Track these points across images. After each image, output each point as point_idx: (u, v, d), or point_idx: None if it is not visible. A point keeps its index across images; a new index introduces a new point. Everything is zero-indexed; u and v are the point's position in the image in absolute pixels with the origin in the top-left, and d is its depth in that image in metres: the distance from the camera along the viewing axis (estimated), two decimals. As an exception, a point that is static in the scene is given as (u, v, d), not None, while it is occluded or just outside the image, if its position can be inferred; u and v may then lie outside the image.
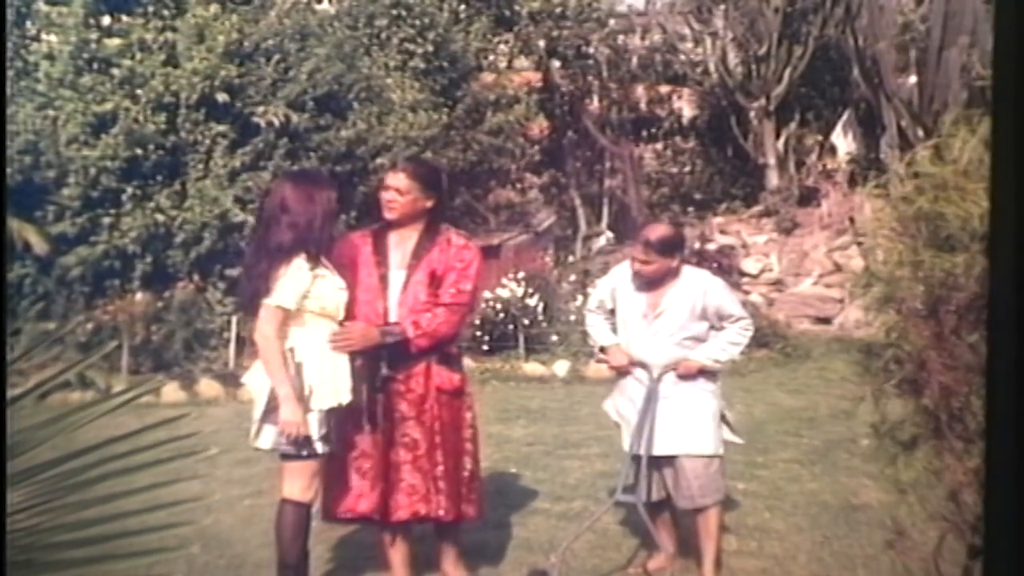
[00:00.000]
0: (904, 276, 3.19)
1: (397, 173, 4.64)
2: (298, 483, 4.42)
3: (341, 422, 4.56)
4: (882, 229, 3.36)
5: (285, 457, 4.42)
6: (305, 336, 4.41)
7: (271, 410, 4.35)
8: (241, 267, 4.77)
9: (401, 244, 4.63)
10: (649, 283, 4.88)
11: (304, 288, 4.34)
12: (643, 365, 4.87)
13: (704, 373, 4.87)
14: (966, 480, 3.13)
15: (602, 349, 5.15)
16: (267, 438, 4.39)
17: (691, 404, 4.82)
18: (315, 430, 4.34)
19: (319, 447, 4.36)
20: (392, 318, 4.55)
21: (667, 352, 4.84)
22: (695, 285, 4.88)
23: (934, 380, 3.13)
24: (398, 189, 4.57)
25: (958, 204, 3.01)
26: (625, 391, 4.98)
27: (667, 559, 4.97)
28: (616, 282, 5.04)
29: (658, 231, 4.92)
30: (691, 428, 4.79)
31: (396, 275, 4.59)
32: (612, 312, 5.04)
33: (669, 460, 4.82)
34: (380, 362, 4.54)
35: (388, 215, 4.61)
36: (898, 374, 3.26)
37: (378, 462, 4.56)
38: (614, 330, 5.03)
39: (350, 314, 4.58)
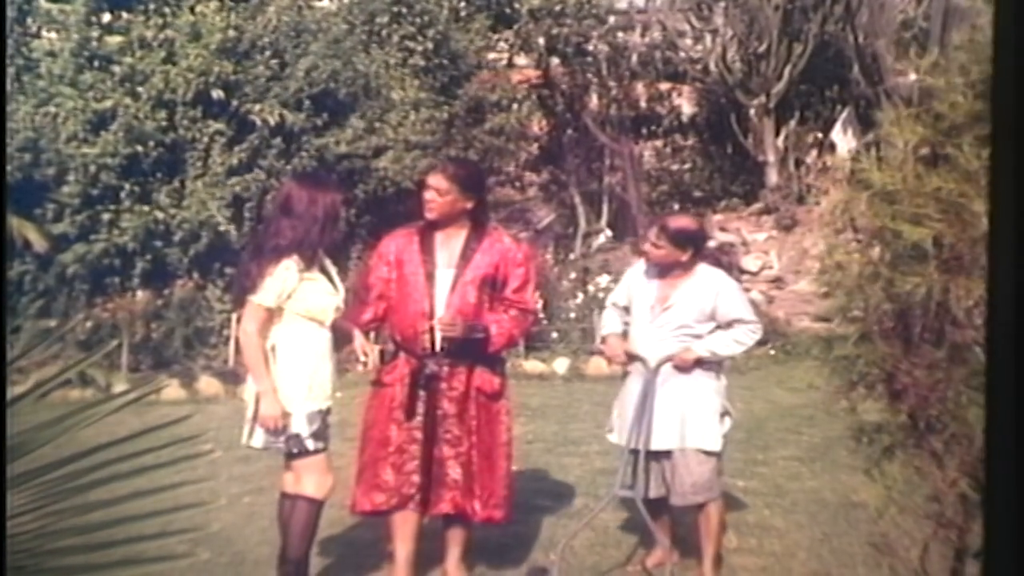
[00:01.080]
0: (865, 286, 3.19)
1: (437, 174, 4.71)
2: (312, 480, 4.45)
3: (380, 419, 4.60)
4: (840, 235, 3.36)
5: (290, 456, 4.45)
6: (288, 337, 4.43)
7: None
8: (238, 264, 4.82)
9: (448, 243, 4.66)
10: (660, 273, 4.86)
11: (289, 289, 4.36)
12: (640, 358, 4.86)
13: (707, 369, 4.84)
14: (945, 486, 3.13)
15: (603, 339, 5.15)
16: (259, 437, 4.43)
17: (693, 399, 4.79)
18: (303, 428, 4.36)
19: (310, 444, 4.38)
20: (438, 316, 4.59)
21: (666, 346, 4.82)
22: (709, 285, 4.85)
23: (908, 387, 3.13)
24: (438, 189, 4.62)
25: (912, 223, 3.01)
26: (625, 387, 4.97)
27: (664, 553, 4.96)
28: (633, 276, 5.06)
29: (678, 221, 4.95)
30: (690, 423, 4.77)
31: (443, 274, 4.63)
32: (627, 309, 5.03)
33: (667, 455, 4.81)
34: (425, 360, 4.58)
35: (428, 215, 4.66)
36: (870, 380, 3.26)
37: (419, 457, 4.60)
38: (624, 323, 5.03)
39: (397, 310, 4.64)
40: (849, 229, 3.33)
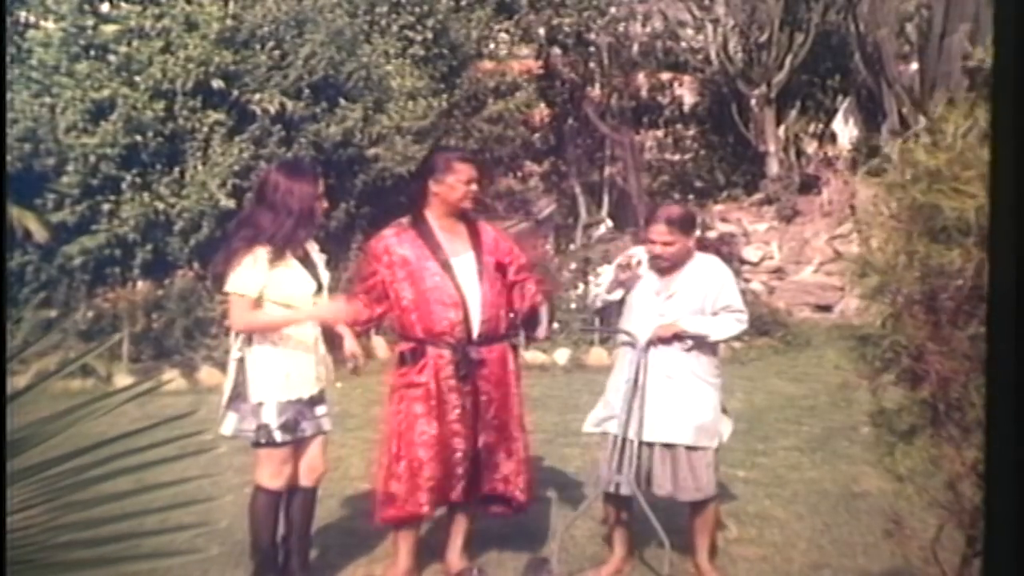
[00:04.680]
0: (900, 266, 3.19)
1: (477, 165, 4.78)
2: (267, 470, 4.45)
3: (417, 420, 4.61)
4: (878, 217, 3.37)
5: (256, 445, 4.45)
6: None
7: (234, 397, 4.41)
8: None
9: (451, 232, 4.67)
10: (663, 267, 4.83)
11: (263, 278, 4.34)
12: (630, 335, 4.80)
13: (708, 365, 4.81)
14: (964, 470, 3.13)
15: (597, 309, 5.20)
16: (229, 425, 4.44)
17: (696, 397, 4.73)
18: (273, 419, 4.36)
19: (277, 436, 4.38)
20: (471, 303, 4.59)
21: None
22: (708, 271, 4.83)
23: (932, 370, 3.14)
24: (479, 180, 4.71)
25: (953, 197, 3.01)
26: (613, 376, 4.93)
27: (619, 562, 4.94)
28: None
29: (675, 210, 4.88)
30: (697, 421, 4.71)
31: (459, 262, 4.62)
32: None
33: (664, 451, 4.78)
34: (466, 349, 4.58)
35: (467, 205, 4.69)
36: (895, 364, 3.26)
37: (464, 448, 4.61)
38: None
39: (418, 307, 4.61)
40: (886, 211, 3.33)
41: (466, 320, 4.56)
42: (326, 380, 4.60)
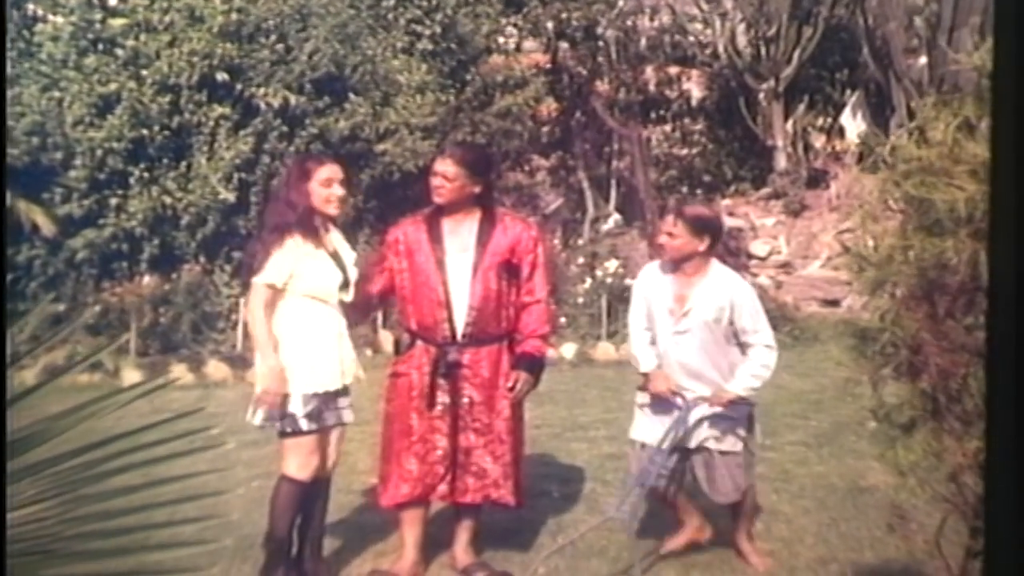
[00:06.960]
0: (896, 260, 3.19)
1: (444, 159, 4.62)
2: (295, 460, 4.47)
3: (401, 409, 4.62)
4: (872, 211, 3.37)
5: (282, 435, 4.48)
6: (290, 316, 4.44)
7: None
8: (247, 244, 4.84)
9: (457, 229, 4.63)
10: (675, 268, 4.77)
11: (292, 268, 4.37)
12: (679, 394, 4.73)
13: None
14: (966, 462, 3.13)
15: (645, 376, 4.86)
16: (260, 415, 4.46)
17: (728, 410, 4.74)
18: (299, 408, 4.39)
19: (303, 424, 4.41)
20: (456, 304, 4.56)
21: (693, 359, 4.73)
22: (725, 285, 4.73)
23: (931, 363, 3.14)
24: (445, 175, 4.56)
25: (944, 190, 3.01)
26: (647, 417, 4.87)
27: (695, 531, 4.97)
28: (646, 280, 4.93)
29: (695, 209, 4.84)
30: (732, 430, 4.75)
31: (455, 259, 4.59)
32: (649, 317, 4.87)
33: (699, 455, 4.79)
34: (446, 348, 4.57)
35: (437, 199, 4.61)
36: (895, 358, 3.27)
37: (442, 446, 4.60)
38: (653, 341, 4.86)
39: (412, 299, 4.62)
40: (882, 205, 3.34)
41: (450, 320, 4.55)
42: (351, 375, 4.63)
